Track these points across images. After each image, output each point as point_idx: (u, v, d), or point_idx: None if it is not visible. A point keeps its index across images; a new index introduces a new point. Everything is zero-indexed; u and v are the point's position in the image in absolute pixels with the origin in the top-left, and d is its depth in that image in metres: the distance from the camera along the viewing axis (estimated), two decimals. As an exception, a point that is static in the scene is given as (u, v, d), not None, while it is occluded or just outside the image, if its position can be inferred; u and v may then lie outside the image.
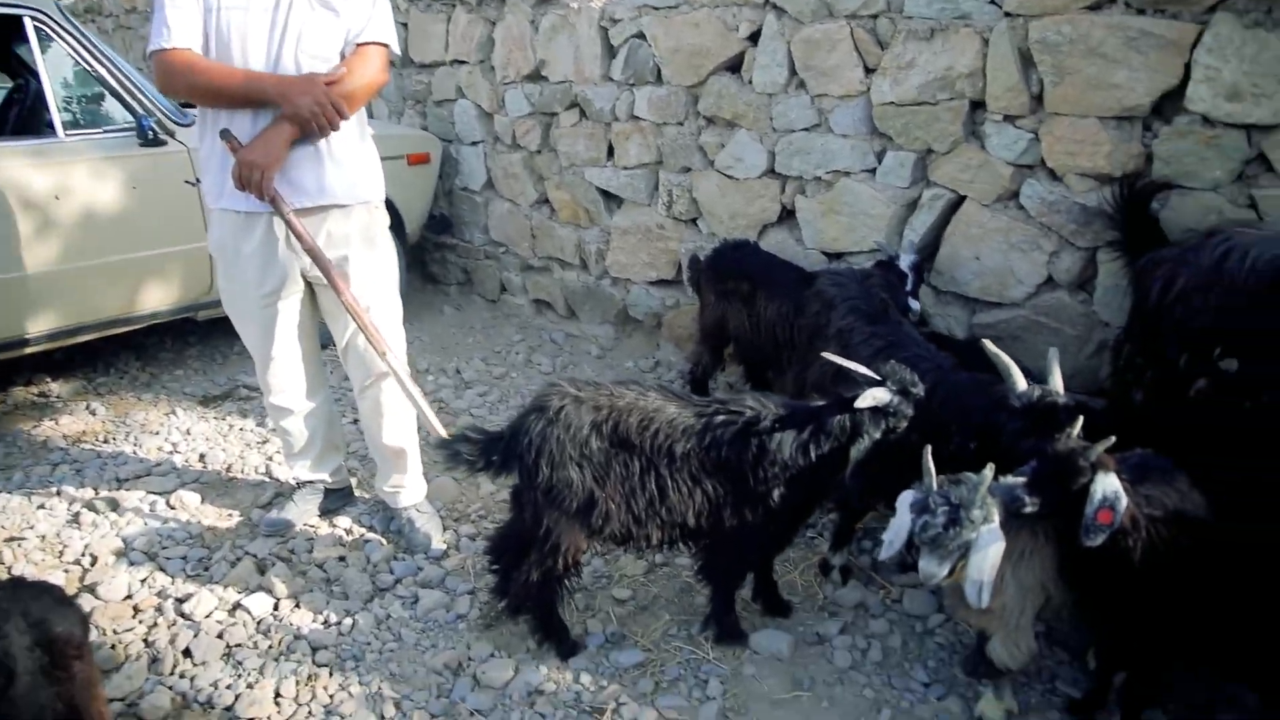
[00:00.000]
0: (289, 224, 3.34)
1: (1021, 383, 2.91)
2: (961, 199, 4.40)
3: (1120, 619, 2.63)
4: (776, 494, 3.02)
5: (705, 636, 3.38)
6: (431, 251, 7.51)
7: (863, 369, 3.02)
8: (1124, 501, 2.38)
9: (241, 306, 3.71)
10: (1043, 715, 3.04)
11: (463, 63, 6.74)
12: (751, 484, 3.01)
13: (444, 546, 4.02)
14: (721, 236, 5.33)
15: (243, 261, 3.56)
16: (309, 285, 3.72)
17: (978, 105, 4.21)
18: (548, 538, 3.01)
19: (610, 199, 6.11)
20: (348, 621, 3.51)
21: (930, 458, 2.56)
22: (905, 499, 2.64)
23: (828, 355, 3.12)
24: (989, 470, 2.53)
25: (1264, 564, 2.45)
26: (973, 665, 3.12)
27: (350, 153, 3.52)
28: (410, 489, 4.08)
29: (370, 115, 6.67)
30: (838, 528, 3.75)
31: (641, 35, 5.48)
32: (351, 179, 3.54)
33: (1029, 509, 2.48)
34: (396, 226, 6.34)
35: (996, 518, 2.52)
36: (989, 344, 3.03)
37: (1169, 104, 3.72)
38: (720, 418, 2.98)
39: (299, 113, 3.22)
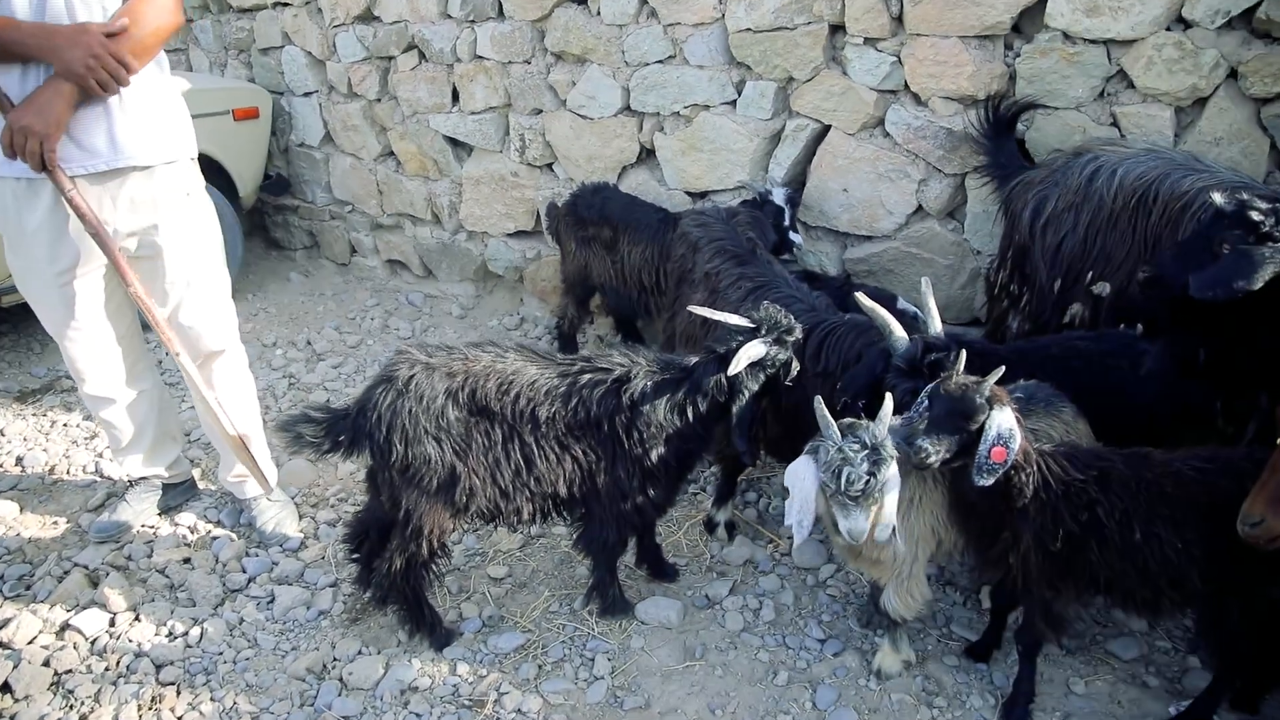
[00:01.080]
0: (69, 202, 2.88)
1: (901, 336, 2.74)
2: (826, 129, 4.26)
3: (1014, 557, 2.51)
4: (653, 456, 2.82)
5: (589, 611, 3.20)
6: (272, 215, 6.98)
7: (733, 318, 2.84)
8: (1018, 437, 2.28)
9: (34, 287, 3.21)
10: (940, 661, 2.97)
11: (286, 4, 6.19)
12: (625, 447, 2.81)
13: (300, 536, 3.69)
14: (579, 181, 5.05)
15: (29, 237, 3.08)
16: (120, 258, 3.27)
17: (837, 29, 4.05)
18: (409, 520, 2.81)
19: (459, 147, 5.75)
20: (195, 631, 3.16)
21: (824, 408, 2.40)
22: (801, 469, 2.44)
23: (693, 309, 2.94)
24: (889, 404, 2.37)
25: (1146, 492, 2.40)
26: (867, 617, 3.09)
27: (147, 104, 3.06)
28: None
29: (189, 68, 6.09)
30: (720, 482, 3.60)
31: (478, -35, 5.11)
32: (151, 134, 3.08)
33: (933, 458, 2.29)
34: (229, 189, 5.88)
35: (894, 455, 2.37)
36: (863, 299, 2.86)
37: (1030, 21, 3.65)
38: (586, 377, 2.80)
39: (71, 69, 2.73)
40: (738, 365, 2.67)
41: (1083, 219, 3.21)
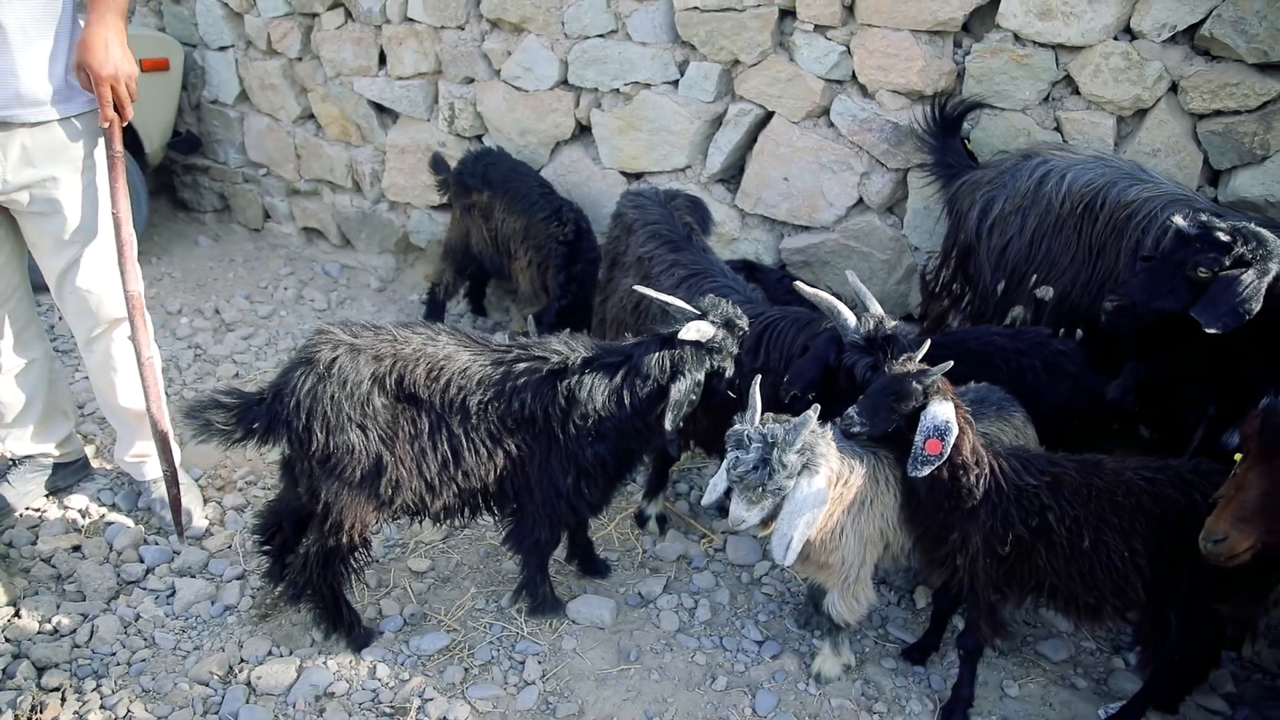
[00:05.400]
0: None
1: (851, 317, 2.62)
2: (769, 115, 4.07)
3: (962, 559, 2.43)
4: (590, 451, 2.66)
5: (518, 609, 3.00)
6: (181, 174, 6.45)
7: (679, 302, 2.68)
8: (954, 432, 2.23)
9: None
10: (878, 664, 2.86)
11: (201, -49, 5.69)
12: (561, 440, 2.64)
13: (205, 523, 3.37)
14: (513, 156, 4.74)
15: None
16: (4, 212, 2.90)
17: (787, 14, 3.85)
18: (328, 513, 2.60)
19: (384, 113, 5.36)
20: (84, 629, 2.84)
21: (758, 389, 2.38)
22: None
23: (639, 288, 2.75)
24: (812, 412, 2.28)
25: (1097, 500, 2.37)
26: (805, 617, 2.97)
27: (45, 48, 2.71)
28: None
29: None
30: (650, 474, 3.42)
31: (412, -79, 4.75)
32: (51, 82, 2.74)
33: (857, 429, 2.33)
34: (134, 145, 5.38)
35: (823, 471, 2.31)
36: (804, 286, 2.74)
37: (980, 21, 3.53)
38: (522, 365, 2.62)
39: None
40: (687, 334, 2.55)
41: (1030, 222, 3.14)
